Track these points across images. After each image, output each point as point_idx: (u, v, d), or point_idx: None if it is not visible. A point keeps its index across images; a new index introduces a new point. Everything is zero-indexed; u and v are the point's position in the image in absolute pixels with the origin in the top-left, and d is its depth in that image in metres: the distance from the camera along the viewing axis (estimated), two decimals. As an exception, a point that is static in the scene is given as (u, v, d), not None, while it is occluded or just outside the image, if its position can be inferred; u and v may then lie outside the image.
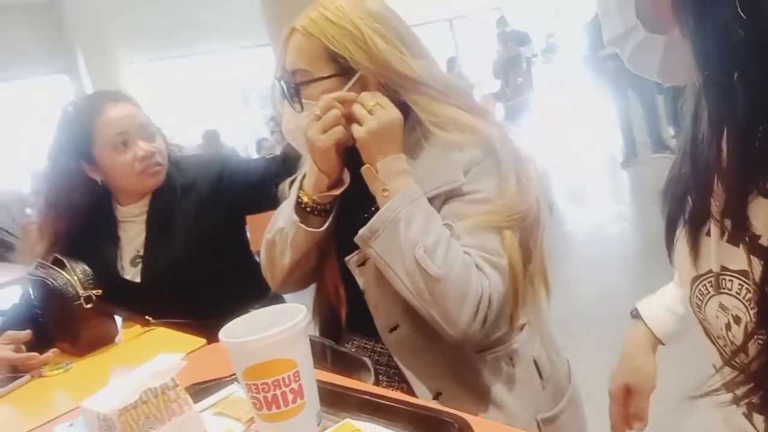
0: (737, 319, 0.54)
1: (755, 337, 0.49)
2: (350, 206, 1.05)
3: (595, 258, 3.73)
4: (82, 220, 1.48)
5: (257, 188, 1.46)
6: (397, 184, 0.93)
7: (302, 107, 1.01)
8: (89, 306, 1.34)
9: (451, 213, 0.95)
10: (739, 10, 0.40)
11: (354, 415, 0.73)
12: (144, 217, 1.49)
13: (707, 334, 0.63)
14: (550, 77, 9.00)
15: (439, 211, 0.95)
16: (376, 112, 0.94)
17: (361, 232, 0.93)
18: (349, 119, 0.97)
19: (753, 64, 0.41)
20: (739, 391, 0.52)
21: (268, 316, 0.71)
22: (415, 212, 0.91)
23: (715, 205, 0.52)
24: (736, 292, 0.53)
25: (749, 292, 0.51)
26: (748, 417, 0.59)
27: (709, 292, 0.57)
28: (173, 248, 1.45)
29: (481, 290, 0.89)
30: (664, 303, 0.91)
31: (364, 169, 0.96)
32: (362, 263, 1.00)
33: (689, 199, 0.57)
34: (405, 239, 0.89)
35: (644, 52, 0.52)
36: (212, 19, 8.86)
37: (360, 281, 1.01)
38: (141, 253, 1.48)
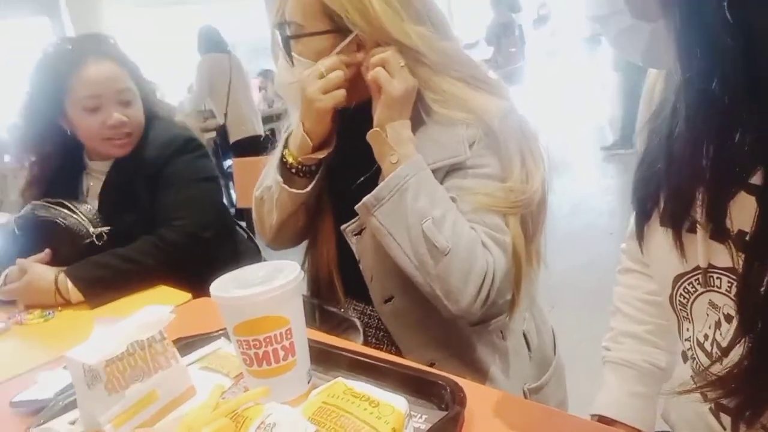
0: (729, 318, 0.53)
1: (743, 339, 0.47)
2: (348, 173, 1.02)
3: (578, 230, 3.76)
4: (53, 166, 1.46)
5: None
6: (406, 151, 0.89)
7: (293, 62, 0.97)
8: (101, 243, 1.35)
9: (454, 186, 0.91)
10: (726, 14, 0.38)
11: (345, 375, 0.72)
12: (104, 179, 1.45)
13: (679, 331, 0.61)
14: (541, 47, 8.89)
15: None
16: (405, 74, 0.90)
17: (365, 199, 0.89)
18: (352, 82, 0.93)
19: (737, 72, 0.39)
20: (711, 395, 0.52)
21: (261, 272, 0.70)
22: (423, 182, 0.88)
23: (697, 205, 0.50)
24: (726, 290, 0.52)
25: None
26: (715, 414, 0.59)
27: (696, 290, 0.56)
28: (123, 222, 1.41)
29: (486, 266, 0.86)
30: (629, 390, 0.79)
31: (372, 133, 0.91)
32: (358, 232, 0.98)
33: (662, 197, 0.56)
34: (412, 209, 0.86)
35: (630, 36, 0.50)
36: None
37: (356, 250, 0.99)
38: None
